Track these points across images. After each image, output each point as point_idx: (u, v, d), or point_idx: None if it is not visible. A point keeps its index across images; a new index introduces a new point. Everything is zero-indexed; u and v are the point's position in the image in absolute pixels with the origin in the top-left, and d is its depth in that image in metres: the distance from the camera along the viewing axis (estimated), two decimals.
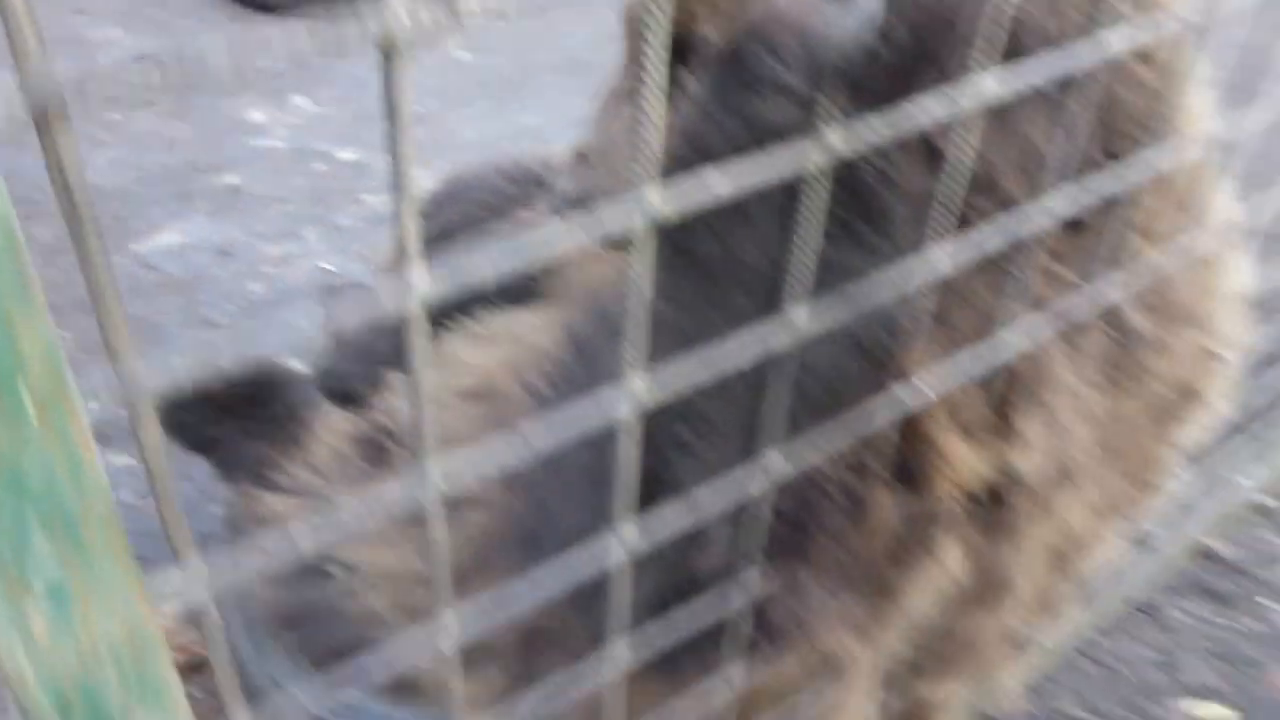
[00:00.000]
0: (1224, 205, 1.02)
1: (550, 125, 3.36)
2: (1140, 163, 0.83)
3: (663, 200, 0.56)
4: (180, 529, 0.47)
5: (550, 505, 0.93)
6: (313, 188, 3.01)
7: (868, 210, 0.70)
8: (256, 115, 3.36)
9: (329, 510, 1.34)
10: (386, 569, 1.20)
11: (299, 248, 2.79)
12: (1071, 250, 0.87)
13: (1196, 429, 1.08)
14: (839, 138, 0.60)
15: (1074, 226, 0.86)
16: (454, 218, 1.80)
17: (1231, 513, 1.76)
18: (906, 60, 0.64)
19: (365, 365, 1.61)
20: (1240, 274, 1.07)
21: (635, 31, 0.99)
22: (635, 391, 0.64)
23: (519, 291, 1.33)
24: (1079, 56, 0.68)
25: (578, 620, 0.90)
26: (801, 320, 0.68)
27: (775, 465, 0.75)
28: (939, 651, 1.10)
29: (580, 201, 1.04)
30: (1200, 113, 0.92)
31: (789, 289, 0.67)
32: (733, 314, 0.70)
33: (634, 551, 0.71)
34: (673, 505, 0.72)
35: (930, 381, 0.80)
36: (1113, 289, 0.87)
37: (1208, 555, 1.76)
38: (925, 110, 0.62)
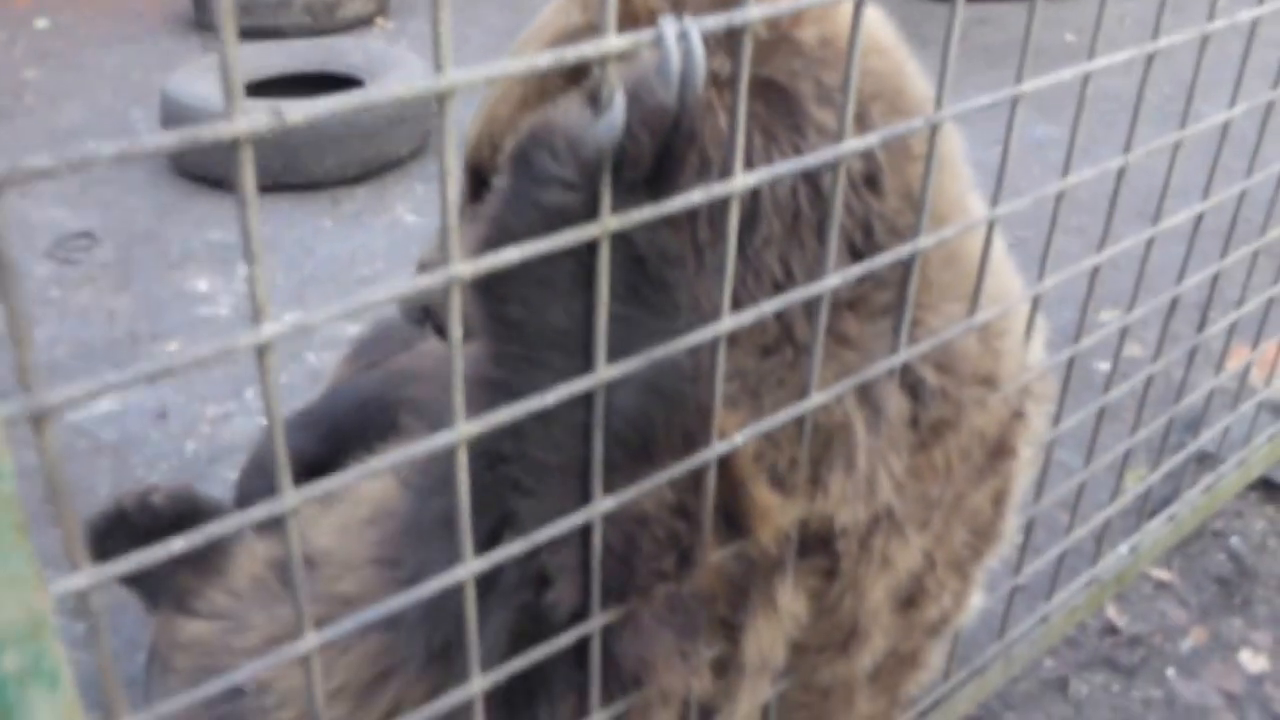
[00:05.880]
0: (1008, 276, 1.23)
1: None
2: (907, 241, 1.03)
3: (466, 267, 0.75)
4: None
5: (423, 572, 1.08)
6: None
7: (647, 276, 0.90)
8: (202, 285, 3.58)
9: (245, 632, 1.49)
10: (296, 687, 1.34)
11: (238, 406, 2.96)
12: (857, 317, 1.07)
13: (1017, 480, 1.25)
14: (609, 217, 0.81)
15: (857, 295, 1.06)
16: (377, 356, 2.02)
17: (1125, 583, 1.91)
18: (652, 154, 0.84)
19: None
20: (1036, 337, 1.27)
21: (470, 168, 1.25)
22: (462, 431, 0.81)
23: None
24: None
25: (435, 663, 1.05)
26: (603, 369, 0.86)
27: (602, 504, 0.92)
28: (807, 702, 1.24)
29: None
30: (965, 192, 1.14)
31: (591, 345, 0.86)
32: (549, 369, 0.89)
33: (479, 575, 0.86)
34: (515, 541, 0.89)
35: (739, 430, 0.98)
36: (900, 353, 1.07)
37: (1110, 630, 1.90)
38: (682, 196, 0.83)
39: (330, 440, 1.74)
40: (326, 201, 4.21)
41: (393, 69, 4.55)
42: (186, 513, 1.73)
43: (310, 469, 1.67)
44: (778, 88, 1.05)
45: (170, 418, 2.92)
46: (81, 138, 4.78)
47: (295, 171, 4.15)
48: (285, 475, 0.77)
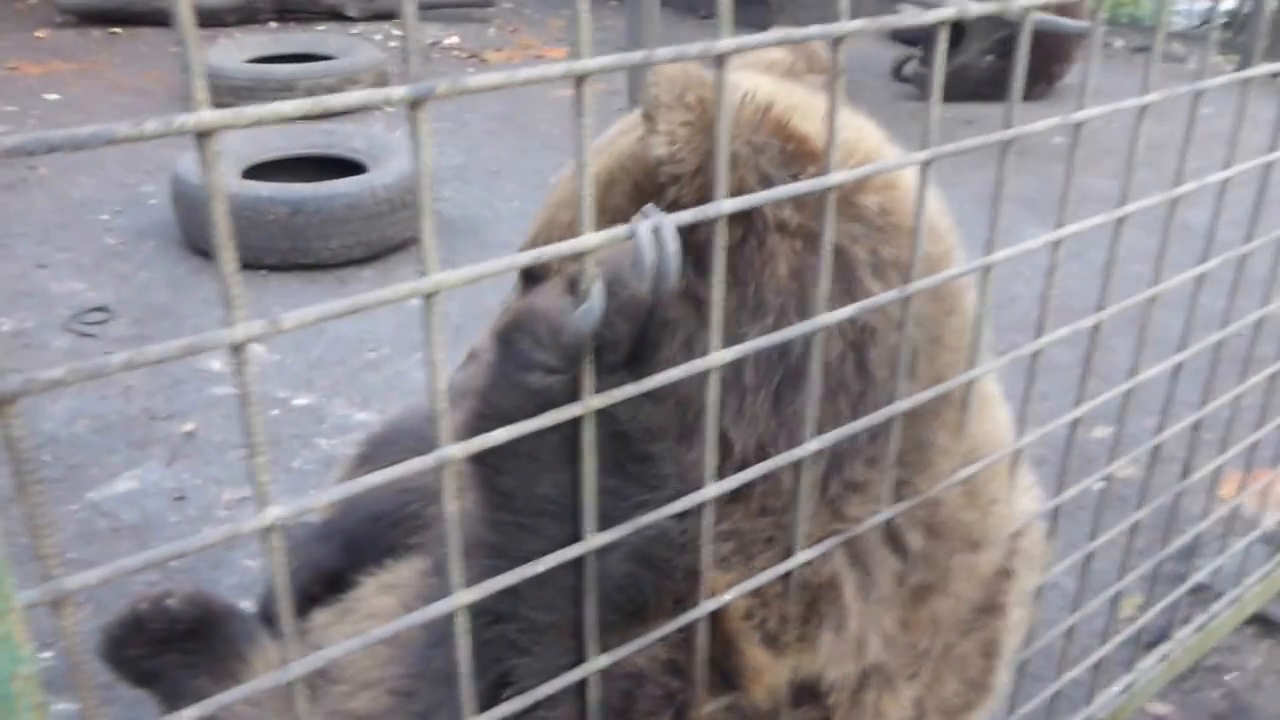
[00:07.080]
0: (998, 436, 1.26)
1: None
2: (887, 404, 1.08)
3: (457, 449, 0.82)
4: None
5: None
6: (267, 433, 3.26)
7: (631, 450, 0.96)
8: (215, 364, 3.65)
9: None
10: None
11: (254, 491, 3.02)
12: (863, 500, 1.10)
13: (1007, 636, 1.29)
14: (591, 396, 0.87)
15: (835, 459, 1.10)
16: (390, 460, 2.07)
17: None
18: (629, 339, 0.89)
19: (300, 596, 1.82)
20: (1027, 494, 1.31)
21: (523, 269, 1.27)
22: (460, 599, 0.87)
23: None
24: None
25: None
26: (592, 538, 0.92)
27: (595, 662, 0.97)
28: None
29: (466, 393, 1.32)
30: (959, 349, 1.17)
31: (580, 513, 0.91)
32: (540, 535, 0.94)
33: None
34: (514, 699, 0.93)
35: (726, 590, 1.03)
36: (884, 512, 1.10)
37: None
38: (663, 374, 0.89)
39: (347, 551, 1.80)
40: (334, 282, 4.32)
41: (393, 154, 4.71)
42: (201, 617, 1.78)
43: (329, 578, 1.72)
44: (835, 249, 1.06)
45: (188, 500, 2.97)
46: (95, 210, 4.90)
47: (302, 252, 4.28)
48: (294, 645, 0.82)
